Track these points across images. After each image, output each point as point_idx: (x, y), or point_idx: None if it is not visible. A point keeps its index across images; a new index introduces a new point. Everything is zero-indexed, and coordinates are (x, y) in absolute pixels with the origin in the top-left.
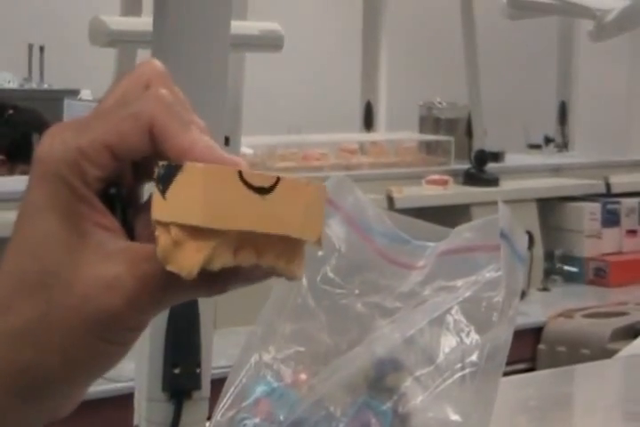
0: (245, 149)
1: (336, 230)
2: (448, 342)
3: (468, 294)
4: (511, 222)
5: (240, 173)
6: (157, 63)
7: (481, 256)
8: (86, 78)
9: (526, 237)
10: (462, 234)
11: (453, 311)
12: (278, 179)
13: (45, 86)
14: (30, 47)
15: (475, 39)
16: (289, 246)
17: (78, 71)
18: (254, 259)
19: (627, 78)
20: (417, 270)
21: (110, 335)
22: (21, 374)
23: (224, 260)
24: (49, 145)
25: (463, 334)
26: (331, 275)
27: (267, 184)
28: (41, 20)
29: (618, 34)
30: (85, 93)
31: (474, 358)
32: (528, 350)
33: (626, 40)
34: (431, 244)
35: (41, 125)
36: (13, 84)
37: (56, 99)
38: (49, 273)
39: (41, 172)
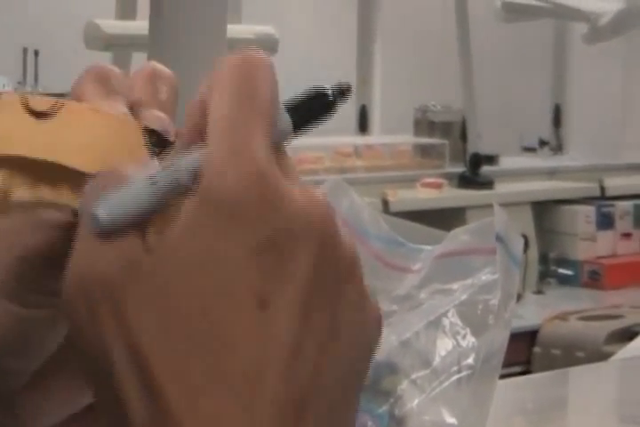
0: None
1: None
2: (444, 345)
3: (464, 297)
4: (507, 225)
5: (24, 99)
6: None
7: (477, 259)
8: None
9: (522, 241)
10: (458, 237)
11: (449, 314)
12: (61, 103)
13: (40, 90)
14: (25, 51)
15: (469, 42)
16: (73, 177)
17: (73, 75)
18: (49, 194)
19: (621, 81)
20: (413, 273)
21: None
22: None
23: (20, 192)
24: None
25: (459, 337)
26: None
27: (46, 108)
28: (36, 24)
29: (612, 37)
30: None
31: (470, 360)
32: (523, 352)
33: (620, 43)
34: (427, 247)
35: None
36: (8, 88)
37: None
38: None
39: None
